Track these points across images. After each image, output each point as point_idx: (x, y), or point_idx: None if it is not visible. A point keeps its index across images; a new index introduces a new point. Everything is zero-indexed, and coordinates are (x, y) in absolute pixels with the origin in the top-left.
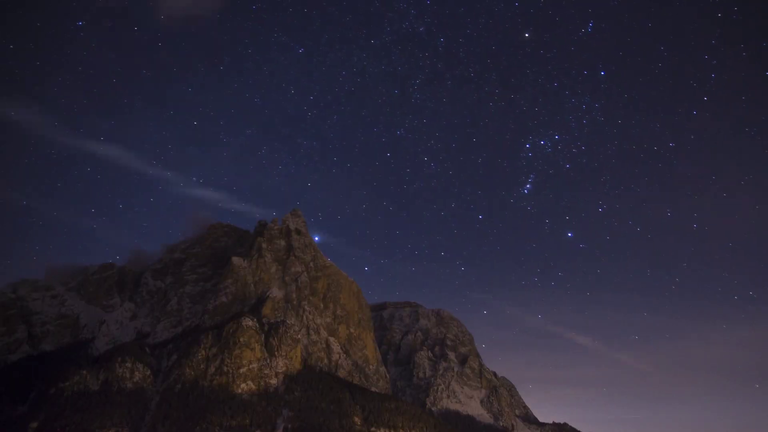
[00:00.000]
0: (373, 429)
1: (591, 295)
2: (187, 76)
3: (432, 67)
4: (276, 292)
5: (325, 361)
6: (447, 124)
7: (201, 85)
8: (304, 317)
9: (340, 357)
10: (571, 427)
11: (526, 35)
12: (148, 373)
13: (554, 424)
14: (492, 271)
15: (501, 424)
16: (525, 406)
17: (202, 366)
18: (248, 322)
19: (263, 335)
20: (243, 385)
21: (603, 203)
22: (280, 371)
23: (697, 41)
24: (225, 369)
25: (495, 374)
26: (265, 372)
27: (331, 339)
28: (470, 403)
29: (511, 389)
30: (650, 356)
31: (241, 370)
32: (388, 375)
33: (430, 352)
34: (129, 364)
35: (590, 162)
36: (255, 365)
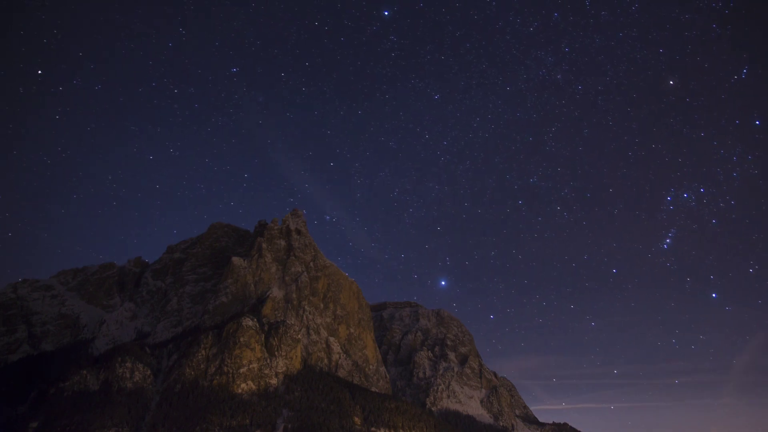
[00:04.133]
0: (373, 429)
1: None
2: (328, 119)
3: (568, 114)
4: (276, 292)
5: (325, 361)
6: (582, 173)
7: (339, 128)
8: (304, 317)
9: (340, 357)
10: (571, 427)
11: (671, 83)
12: (148, 373)
13: (554, 424)
14: (625, 328)
15: (501, 424)
16: (525, 406)
17: (202, 366)
18: (248, 322)
19: (263, 335)
20: (243, 385)
21: (755, 264)
22: (280, 371)
23: None
24: (225, 369)
25: (495, 374)
26: (265, 372)
27: (331, 339)
28: (470, 403)
29: (511, 389)
30: None
31: (241, 370)
32: (388, 375)
33: (430, 352)
34: (129, 364)
35: (740, 218)
36: (255, 365)
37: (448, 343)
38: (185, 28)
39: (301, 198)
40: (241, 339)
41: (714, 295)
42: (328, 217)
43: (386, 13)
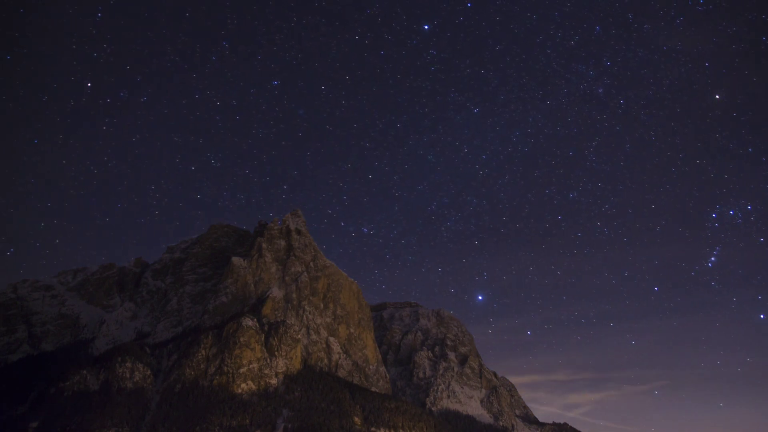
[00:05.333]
0: (373, 429)
1: None
2: (367, 132)
3: (610, 129)
4: (276, 292)
5: (325, 361)
6: (623, 189)
7: (378, 141)
8: (304, 317)
9: (340, 357)
10: (571, 427)
11: (717, 97)
12: (148, 373)
13: (554, 424)
14: (666, 347)
15: (501, 424)
16: (525, 406)
17: (202, 366)
18: (248, 322)
19: (263, 335)
20: (243, 385)
21: None
22: (280, 371)
23: None
24: (225, 369)
25: (495, 374)
26: (265, 372)
27: (331, 339)
28: (470, 403)
29: (511, 389)
30: None
31: (241, 370)
32: (388, 375)
33: (430, 352)
34: (129, 364)
35: None
36: (255, 365)
37: (448, 343)
38: (228, 41)
39: (339, 210)
40: (241, 339)
41: (762, 316)
42: (365, 230)
43: (426, 27)
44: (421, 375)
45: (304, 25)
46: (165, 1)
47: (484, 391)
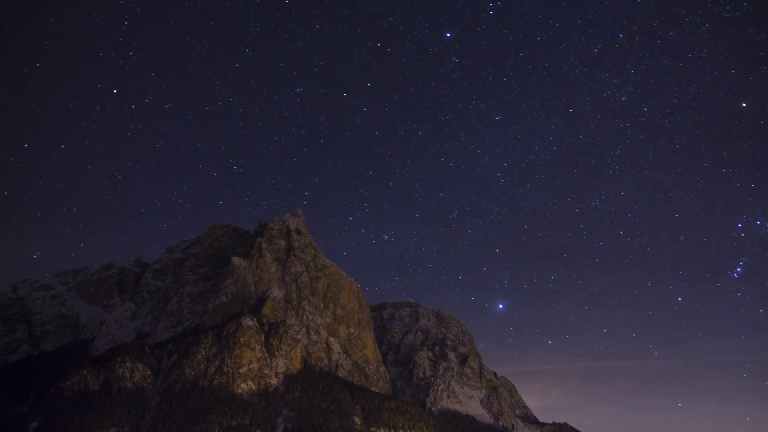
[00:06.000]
0: (373, 429)
1: None
2: (388, 139)
3: (633, 137)
4: (276, 292)
5: (325, 361)
6: (647, 198)
7: (399, 148)
8: (304, 317)
9: (340, 357)
10: (571, 427)
11: (743, 105)
12: (148, 373)
13: (554, 424)
14: (689, 359)
15: (501, 424)
16: (525, 406)
17: (202, 366)
18: (248, 322)
19: (263, 335)
20: (243, 385)
21: None
22: (280, 371)
23: None
24: (225, 369)
25: (495, 374)
26: (265, 372)
27: (331, 339)
28: (470, 403)
29: (511, 389)
30: None
31: (241, 370)
32: (388, 375)
33: (430, 352)
34: (129, 364)
35: None
36: (255, 365)
37: (448, 343)
38: (252, 49)
39: (359, 217)
40: (241, 339)
41: None
42: (386, 237)
43: (448, 35)
44: (421, 375)
45: (327, 32)
46: (190, 10)
47: (484, 391)
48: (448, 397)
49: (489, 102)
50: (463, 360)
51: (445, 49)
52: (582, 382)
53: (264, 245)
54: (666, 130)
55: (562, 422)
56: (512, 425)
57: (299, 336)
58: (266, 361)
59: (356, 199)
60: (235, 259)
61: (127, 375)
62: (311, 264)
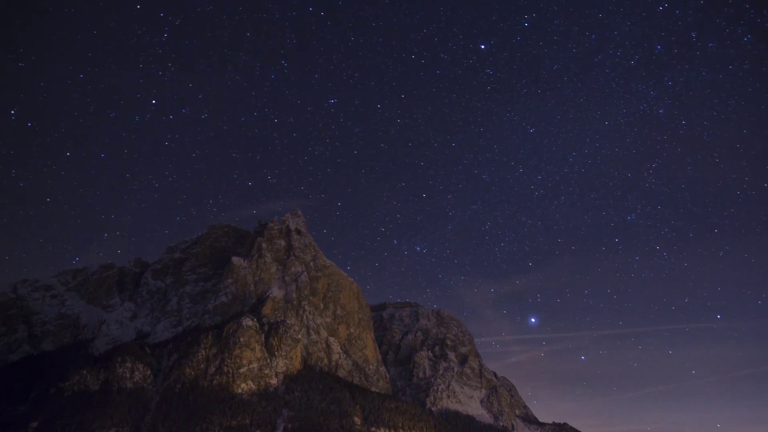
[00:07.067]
0: (373, 429)
1: None
2: (422, 151)
3: (671, 150)
4: (276, 292)
5: (325, 361)
6: (684, 212)
7: (432, 159)
8: (304, 317)
9: (340, 357)
10: (571, 427)
11: None
12: (148, 373)
13: (554, 424)
14: (724, 380)
15: (501, 424)
16: (525, 406)
17: (202, 366)
18: (248, 322)
19: (263, 335)
20: (243, 385)
21: None
22: (280, 371)
23: None
24: (225, 369)
25: (495, 374)
26: (265, 372)
27: (331, 339)
28: (470, 403)
29: (511, 389)
30: None
31: (241, 370)
32: (388, 375)
33: (430, 352)
34: (129, 364)
35: None
36: (255, 365)
37: (448, 343)
38: (287, 60)
39: (392, 228)
40: (241, 339)
41: None
42: (418, 248)
43: (483, 47)
44: (421, 375)
45: (361, 44)
46: (227, 23)
47: (484, 391)
48: (448, 397)
49: (523, 114)
50: (463, 360)
51: (480, 60)
52: (615, 399)
53: (264, 245)
54: (705, 144)
55: (562, 422)
56: (512, 425)
57: (299, 336)
58: (266, 361)
59: (389, 210)
60: (235, 259)
61: (127, 375)
62: (311, 264)
